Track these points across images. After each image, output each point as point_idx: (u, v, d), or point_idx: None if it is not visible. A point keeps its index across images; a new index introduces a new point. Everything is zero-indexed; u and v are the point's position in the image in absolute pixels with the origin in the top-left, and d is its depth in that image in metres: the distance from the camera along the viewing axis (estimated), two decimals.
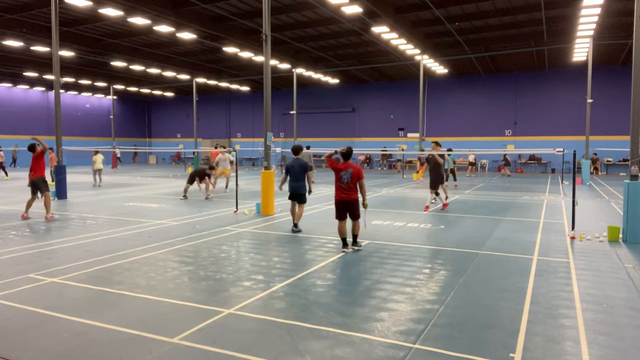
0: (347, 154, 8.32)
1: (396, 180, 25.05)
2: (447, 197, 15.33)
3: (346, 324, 4.80)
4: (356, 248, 8.21)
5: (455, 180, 20.69)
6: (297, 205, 10.12)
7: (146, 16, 20.04)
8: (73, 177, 24.28)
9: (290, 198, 10.16)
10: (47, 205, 11.51)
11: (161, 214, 12.50)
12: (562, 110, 32.42)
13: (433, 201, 15.13)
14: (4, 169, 26.44)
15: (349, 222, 8.25)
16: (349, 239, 8.33)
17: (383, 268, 7.01)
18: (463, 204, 14.96)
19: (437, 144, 14.00)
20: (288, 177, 10.14)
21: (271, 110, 13.86)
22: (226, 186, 19.45)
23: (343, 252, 7.97)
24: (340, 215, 8.20)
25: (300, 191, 10.02)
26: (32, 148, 11.75)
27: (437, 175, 13.29)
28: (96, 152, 21.73)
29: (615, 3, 19.29)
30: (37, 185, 11.54)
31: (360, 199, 8.21)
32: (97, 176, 21.50)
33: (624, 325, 4.82)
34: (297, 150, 10.35)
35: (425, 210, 13.12)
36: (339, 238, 8.85)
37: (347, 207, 8.12)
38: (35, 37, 23.81)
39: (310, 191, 10.26)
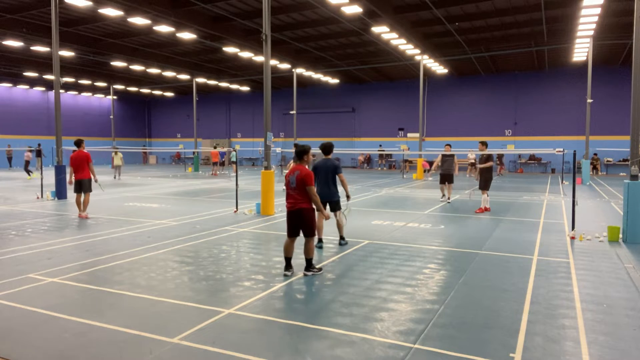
0: (298, 153, 6.78)
1: (396, 180, 25.04)
2: (449, 197, 15.37)
3: (346, 324, 4.80)
4: (308, 274, 6.57)
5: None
6: (334, 214, 8.51)
7: (146, 16, 20.04)
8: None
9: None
10: (86, 204, 11.89)
11: (161, 214, 12.50)
12: (562, 110, 32.41)
13: (442, 200, 15.19)
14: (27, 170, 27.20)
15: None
16: (295, 261, 6.92)
17: (383, 268, 7.01)
18: (463, 204, 14.96)
19: (483, 144, 13.38)
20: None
21: (271, 110, 13.85)
22: None
23: (284, 275, 6.55)
24: (289, 231, 6.65)
25: (333, 198, 8.38)
26: (78, 144, 12.15)
27: (489, 175, 12.99)
28: (115, 152, 26.13)
29: (615, 3, 19.29)
30: (83, 185, 11.93)
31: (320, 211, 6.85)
32: (116, 172, 25.63)
33: (624, 325, 4.82)
34: (327, 149, 8.56)
35: (479, 212, 12.73)
36: (337, 238, 8.87)
37: (297, 218, 6.56)
38: (35, 37, 23.81)
39: (348, 196, 8.63)
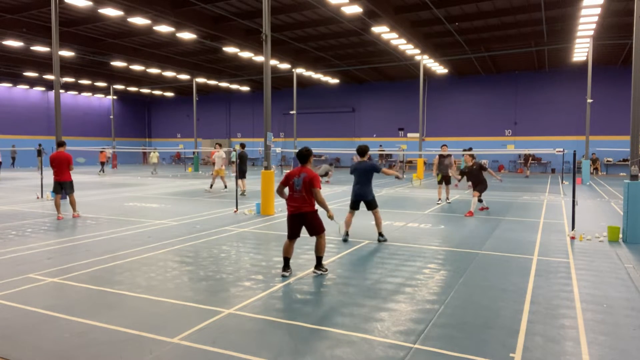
0: (302, 155, 6.73)
1: (396, 181, 25.02)
2: (448, 197, 15.37)
3: (346, 324, 4.80)
4: (317, 272, 6.63)
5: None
6: (372, 212, 9.12)
7: (146, 16, 20.05)
8: (73, 176, 24.13)
9: (352, 207, 9.16)
10: (73, 204, 12.10)
11: (161, 214, 12.50)
12: (562, 110, 32.42)
13: (438, 201, 15.17)
14: None
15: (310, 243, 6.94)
16: (293, 261, 7.02)
17: (383, 268, 7.01)
18: (463, 204, 14.95)
19: (471, 156, 13.53)
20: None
21: (271, 110, 13.85)
22: (225, 186, 19.20)
23: (282, 275, 6.51)
24: (290, 233, 6.59)
25: (367, 197, 8.96)
26: (61, 144, 12.28)
27: (483, 179, 12.99)
28: (154, 150, 30.83)
29: (615, 3, 19.30)
30: (64, 187, 11.99)
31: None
32: (153, 168, 30.18)
33: (624, 325, 4.82)
34: (363, 151, 9.06)
35: (468, 215, 12.34)
36: (338, 239, 8.90)
37: (300, 221, 6.54)
38: (35, 37, 23.81)
39: (398, 177, 9.67)
